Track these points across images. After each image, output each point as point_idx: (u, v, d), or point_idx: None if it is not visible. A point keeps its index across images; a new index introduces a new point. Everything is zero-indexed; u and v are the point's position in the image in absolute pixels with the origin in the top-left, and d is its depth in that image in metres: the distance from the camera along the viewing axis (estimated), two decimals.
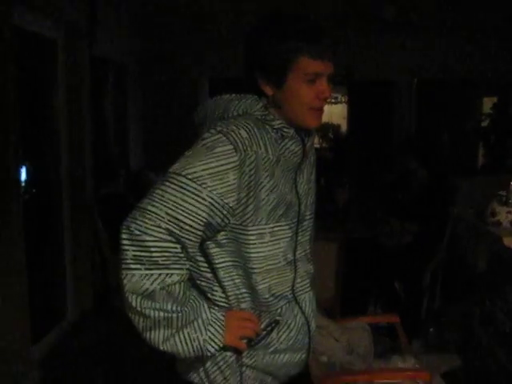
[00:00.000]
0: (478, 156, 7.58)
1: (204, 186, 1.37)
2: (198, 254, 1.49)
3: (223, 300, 1.51)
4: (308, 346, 1.63)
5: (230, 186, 1.40)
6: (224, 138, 1.41)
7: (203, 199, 1.38)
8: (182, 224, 1.37)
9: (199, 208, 1.38)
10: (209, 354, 1.46)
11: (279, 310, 1.55)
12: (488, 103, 7.20)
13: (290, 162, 1.52)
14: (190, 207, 1.37)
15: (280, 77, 1.47)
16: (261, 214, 1.45)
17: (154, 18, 6.04)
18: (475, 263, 3.74)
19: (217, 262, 1.49)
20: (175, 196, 1.37)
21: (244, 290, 1.51)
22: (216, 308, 1.49)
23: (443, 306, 4.20)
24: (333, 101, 11.01)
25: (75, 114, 4.48)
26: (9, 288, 3.24)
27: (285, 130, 1.51)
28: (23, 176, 3.79)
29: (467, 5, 5.80)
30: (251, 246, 1.47)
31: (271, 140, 1.48)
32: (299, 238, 1.59)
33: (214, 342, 1.45)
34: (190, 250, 1.43)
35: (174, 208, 1.37)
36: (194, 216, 1.38)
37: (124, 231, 1.38)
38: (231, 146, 1.40)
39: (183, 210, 1.37)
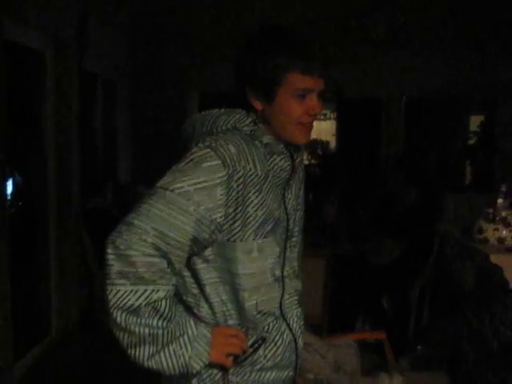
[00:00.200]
0: (465, 174, 7.62)
1: (191, 201, 1.36)
2: (185, 269, 1.47)
3: (210, 316, 1.49)
4: (295, 364, 1.61)
5: (217, 201, 1.38)
6: (212, 153, 1.40)
7: (190, 214, 1.36)
8: (168, 239, 1.36)
9: (186, 223, 1.36)
10: (194, 372, 1.44)
11: (266, 327, 1.53)
12: (475, 121, 7.26)
13: (279, 178, 1.51)
14: (177, 222, 1.36)
15: (270, 92, 1.46)
16: (248, 229, 1.44)
17: (144, 33, 6.05)
18: (462, 280, 3.74)
19: (204, 277, 1.47)
20: (162, 211, 1.35)
21: (231, 307, 1.49)
22: (202, 324, 1.46)
23: (430, 323, 4.19)
24: (322, 117, 11.03)
25: (63, 127, 4.46)
26: None
27: (274, 145, 1.50)
28: (9, 189, 3.76)
29: (456, 24, 5.88)
30: (239, 262, 1.45)
31: (260, 155, 1.47)
32: (287, 254, 1.57)
33: (199, 358, 1.42)
34: (176, 266, 1.41)
35: (160, 223, 1.35)
36: (180, 231, 1.36)
37: (109, 246, 1.35)
38: (219, 161, 1.39)
39: (170, 225, 1.35)
